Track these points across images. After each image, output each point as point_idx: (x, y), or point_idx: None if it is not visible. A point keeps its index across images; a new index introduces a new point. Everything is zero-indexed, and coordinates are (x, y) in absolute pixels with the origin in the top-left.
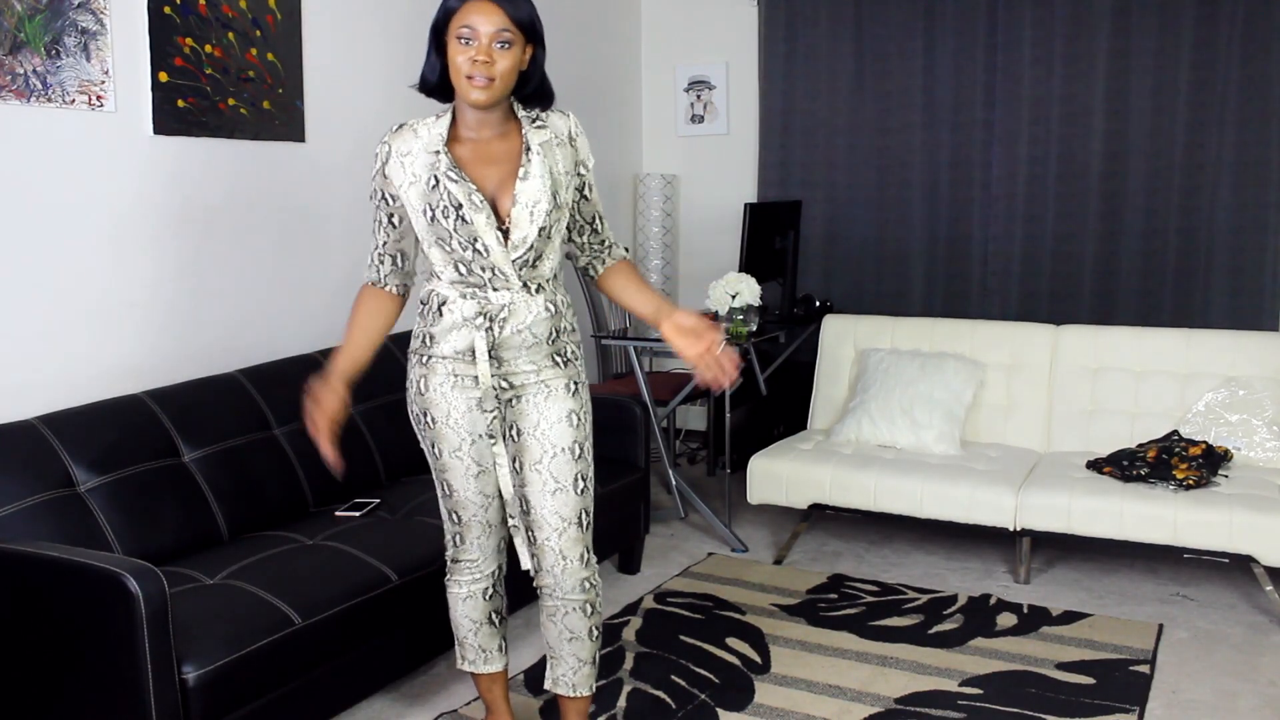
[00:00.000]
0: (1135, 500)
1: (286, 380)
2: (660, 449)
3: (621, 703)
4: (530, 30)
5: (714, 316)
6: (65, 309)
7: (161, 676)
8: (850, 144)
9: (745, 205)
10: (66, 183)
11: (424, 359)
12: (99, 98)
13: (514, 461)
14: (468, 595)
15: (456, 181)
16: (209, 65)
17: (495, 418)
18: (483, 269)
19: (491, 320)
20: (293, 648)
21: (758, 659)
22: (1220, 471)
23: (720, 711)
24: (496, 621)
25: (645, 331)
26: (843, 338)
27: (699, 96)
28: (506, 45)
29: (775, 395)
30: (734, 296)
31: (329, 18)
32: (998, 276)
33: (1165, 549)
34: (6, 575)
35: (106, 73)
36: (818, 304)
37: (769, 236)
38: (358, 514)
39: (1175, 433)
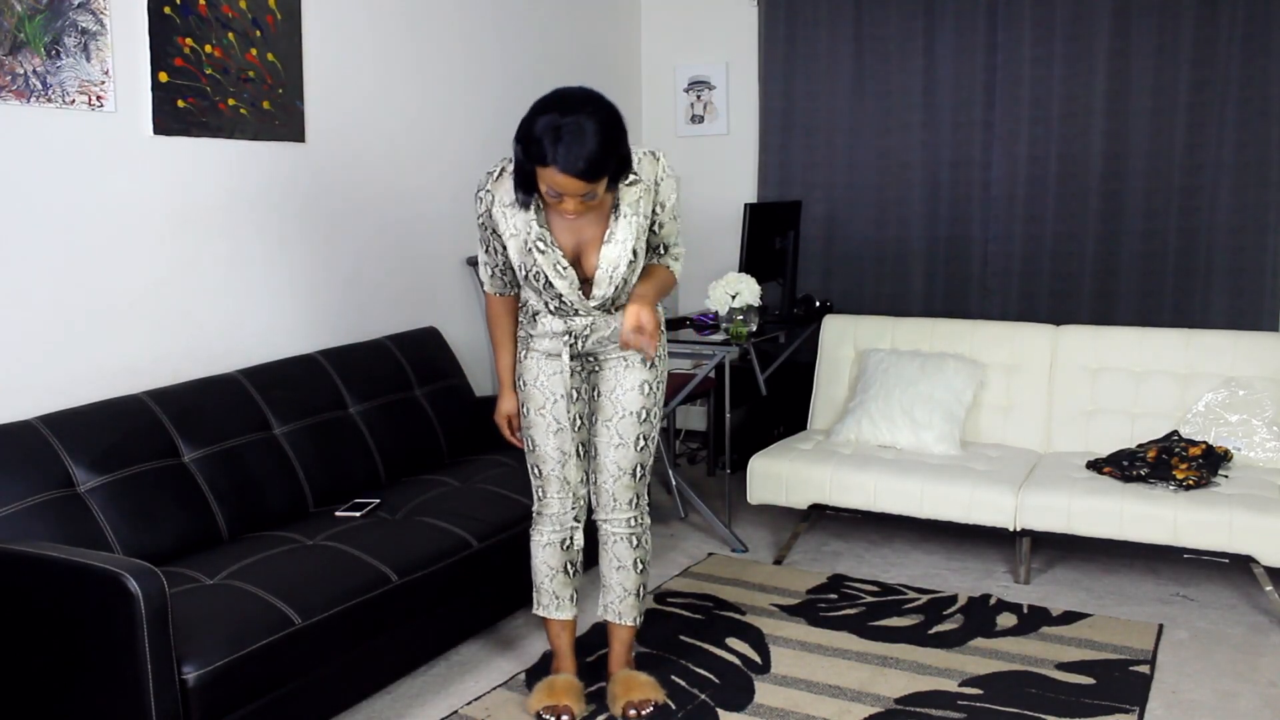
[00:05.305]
0: (1135, 500)
1: (286, 380)
2: (660, 449)
3: None
4: (614, 175)
5: (714, 316)
6: (65, 309)
7: (161, 676)
8: (850, 144)
9: (745, 205)
10: (66, 183)
11: (524, 347)
12: (99, 98)
13: (590, 417)
14: (547, 543)
15: (544, 253)
16: (209, 65)
17: (575, 385)
18: (567, 309)
19: (575, 336)
20: (293, 648)
21: (758, 659)
22: (1220, 471)
23: (720, 711)
24: (571, 572)
25: None
26: (843, 338)
27: (699, 96)
28: (593, 196)
29: (775, 395)
30: (734, 296)
31: (329, 18)
32: (998, 276)
33: (1165, 549)
34: (6, 575)
35: (106, 73)
36: (818, 304)
37: (769, 236)
38: (358, 514)
39: (1175, 433)
